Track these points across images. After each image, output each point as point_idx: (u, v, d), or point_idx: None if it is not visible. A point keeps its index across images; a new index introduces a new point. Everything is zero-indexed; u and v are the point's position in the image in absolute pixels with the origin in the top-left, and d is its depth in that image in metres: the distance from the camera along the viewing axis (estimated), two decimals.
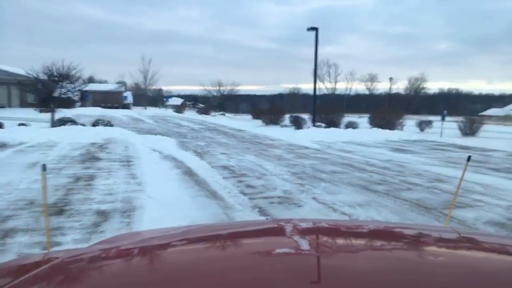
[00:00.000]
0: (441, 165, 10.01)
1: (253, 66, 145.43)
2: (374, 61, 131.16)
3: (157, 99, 76.05)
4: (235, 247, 1.16)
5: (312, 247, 1.03)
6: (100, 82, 69.21)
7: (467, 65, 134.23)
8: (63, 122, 15.50)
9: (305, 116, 22.95)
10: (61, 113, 29.96)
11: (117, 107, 45.77)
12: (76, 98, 39.09)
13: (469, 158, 3.40)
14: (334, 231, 1.32)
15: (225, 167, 9.04)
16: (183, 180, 7.54)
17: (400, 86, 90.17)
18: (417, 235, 1.26)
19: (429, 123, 21.75)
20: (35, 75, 15.04)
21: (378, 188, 7.04)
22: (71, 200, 5.77)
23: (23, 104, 34.06)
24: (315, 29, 18.80)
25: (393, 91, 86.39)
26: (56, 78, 15.49)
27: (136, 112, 38.54)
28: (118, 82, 59.48)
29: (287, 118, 24.71)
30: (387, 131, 17.63)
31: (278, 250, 0.99)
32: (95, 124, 15.30)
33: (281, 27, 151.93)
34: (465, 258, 1.06)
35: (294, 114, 25.57)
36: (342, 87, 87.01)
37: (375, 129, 17.94)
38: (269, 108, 25.88)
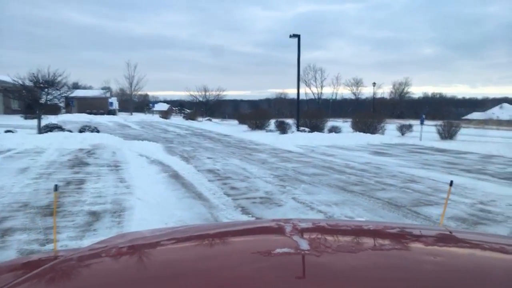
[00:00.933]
0: (417, 167, 10.54)
1: (240, 71, 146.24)
2: (360, 65, 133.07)
3: (143, 104, 75.93)
4: (235, 246, 1.18)
5: (311, 247, 1.04)
6: (85, 88, 68.88)
7: (451, 70, 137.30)
8: (49, 128, 15.65)
9: (290, 121, 23.49)
10: (47, 119, 29.91)
11: (102, 113, 45.75)
12: (61, 104, 38.99)
13: (451, 183, 3.51)
14: (333, 231, 1.32)
15: (210, 171, 9.40)
16: (170, 183, 7.89)
17: (385, 91, 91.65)
18: (415, 235, 1.28)
19: (409, 127, 22.47)
20: (21, 82, 15.18)
21: (354, 189, 7.50)
22: (63, 202, 6.07)
23: (7, 110, 33.95)
24: (297, 36, 19.33)
25: (378, 96, 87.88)
26: (41, 85, 15.64)
27: (122, 118, 38.75)
28: (103, 88, 59.37)
29: (272, 123, 25.22)
30: (369, 135, 18.22)
31: (277, 250, 1.00)
32: (81, 130, 15.50)
33: (268, 32, 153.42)
34: (463, 258, 1.07)
35: (279, 119, 26.12)
36: (328, 91, 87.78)
37: (358, 133, 18.53)
38: (254, 113, 26.38)
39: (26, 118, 30.27)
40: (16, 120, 28.49)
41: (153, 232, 1.35)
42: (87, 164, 10.10)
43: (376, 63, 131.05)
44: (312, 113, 23.72)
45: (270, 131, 22.56)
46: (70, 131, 15.46)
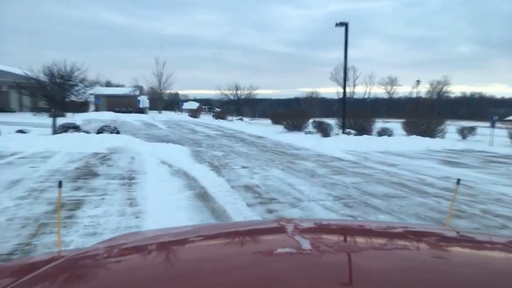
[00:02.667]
0: None
1: (268, 70, 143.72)
2: (393, 64, 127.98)
3: (174, 103, 75.01)
4: (237, 246, 1.16)
5: (313, 246, 1.04)
6: (117, 86, 68.39)
7: (488, 68, 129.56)
8: (65, 128, 14.01)
9: (331, 122, 21.06)
10: (71, 118, 28.74)
11: (131, 112, 44.51)
12: (83, 101, 38.07)
13: (458, 181, 3.54)
14: (335, 230, 1.34)
15: (248, 188, 7.26)
16: (196, 208, 5.78)
17: (421, 90, 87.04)
18: (417, 234, 1.25)
19: (472, 129, 19.51)
20: (33, 76, 13.57)
21: (460, 224, 5.15)
22: (36, 244, 4.08)
23: (34, 109, 32.80)
24: (344, 24, 16.88)
25: (414, 95, 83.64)
26: (57, 80, 14.01)
27: (150, 116, 37.10)
28: (135, 86, 58.34)
29: (310, 124, 22.82)
30: (427, 139, 15.58)
31: (279, 250, 1.00)
32: (100, 131, 13.75)
33: (297, 31, 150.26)
34: (466, 258, 1.06)
35: (316, 119, 23.68)
36: (360, 91, 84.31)
37: (413, 136, 15.92)
38: (291, 112, 23.86)
39: (50, 116, 29.21)
40: (39, 118, 27.24)
41: (156, 233, 1.36)
42: (95, 175, 8.18)
43: (409, 61, 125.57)
44: (358, 113, 20.98)
45: (309, 132, 20.11)
46: (87, 132, 13.73)
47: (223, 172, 8.96)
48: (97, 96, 48.05)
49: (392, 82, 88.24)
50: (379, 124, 20.74)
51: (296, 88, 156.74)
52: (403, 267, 0.93)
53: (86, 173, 8.41)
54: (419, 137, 15.71)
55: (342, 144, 14.56)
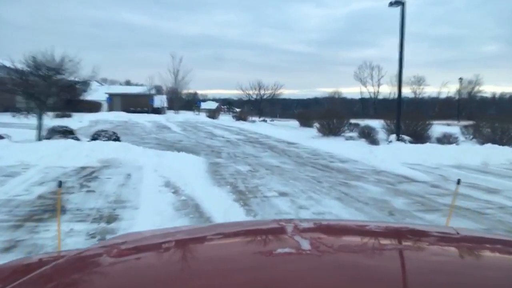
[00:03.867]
0: None
1: (286, 69, 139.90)
2: (417, 63, 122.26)
3: (192, 103, 72.64)
4: (237, 246, 1.16)
5: (313, 246, 1.03)
6: (137, 85, 66.13)
7: None
8: (54, 133, 11.32)
9: (375, 125, 17.81)
10: (78, 118, 26.31)
11: (146, 111, 42.01)
12: (102, 101, 35.91)
13: (459, 182, 3.49)
14: (335, 231, 1.34)
15: None
16: None
17: (450, 89, 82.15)
18: (418, 234, 1.25)
19: None
20: (12, 66, 10.85)
21: None
22: None
23: (15, 109, 30.26)
24: (400, 3, 13.60)
25: (442, 95, 79.18)
26: (43, 73, 11.31)
27: (166, 117, 34.24)
28: (155, 86, 55.84)
29: (346, 127, 19.57)
30: (507, 148, 12.24)
31: (279, 250, 1.00)
32: (95, 137, 10.98)
33: (317, 30, 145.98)
34: (466, 257, 1.06)
35: (353, 121, 20.37)
36: (385, 90, 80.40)
37: (488, 145, 12.63)
38: (326, 112, 20.47)
39: (56, 116, 26.92)
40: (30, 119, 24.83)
41: (155, 233, 1.35)
42: (61, 210, 5.30)
43: (433, 61, 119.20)
44: (412, 115, 17.35)
45: (351, 138, 16.85)
46: (77, 138, 10.98)
47: (253, 205, 5.98)
48: (111, 95, 45.92)
49: (419, 81, 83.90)
50: (439, 127, 17.28)
51: (315, 88, 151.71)
52: (403, 266, 0.93)
53: (48, 205, 5.57)
54: (494, 146, 12.38)
55: (400, 155, 11.37)
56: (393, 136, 14.37)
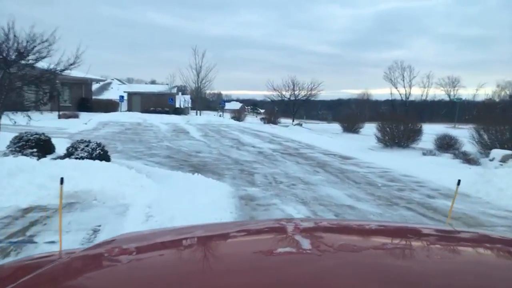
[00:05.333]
0: None
1: (311, 70, 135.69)
2: (447, 64, 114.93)
3: (216, 103, 69.46)
4: (238, 246, 1.14)
5: (313, 246, 1.02)
6: (162, 84, 63.17)
7: None
8: (17, 145, 7.77)
9: (455, 135, 13.58)
10: (86, 118, 23.05)
11: (167, 112, 38.66)
12: (118, 100, 32.62)
13: (458, 182, 3.46)
14: (335, 230, 1.32)
15: None
16: None
17: (487, 91, 75.74)
18: (417, 234, 1.24)
19: None
20: None
21: None
22: None
23: (54, 106, 27.15)
24: None
25: (479, 97, 73.23)
26: (4, 55, 7.81)
27: (186, 119, 30.50)
28: (179, 86, 52.49)
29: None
30: None
31: (279, 250, 0.98)
32: (70, 151, 7.32)
33: (343, 31, 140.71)
34: (465, 257, 1.04)
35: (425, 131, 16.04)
36: (417, 92, 74.88)
37: None
38: (390, 117, 16.18)
39: (61, 116, 23.83)
40: (51, 119, 21.55)
41: (156, 232, 1.35)
42: None
43: (464, 62, 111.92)
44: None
45: (430, 153, 12.45)
46: (38, 155, 7.35)
47: None
48: (130, 94, 42.96)
49: (454, 82, 77.81)
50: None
51: (339, 90, 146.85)
52: (403, 266, 0.92)
53: None
54: None
55: None
56: (497, 152, 10.17)
